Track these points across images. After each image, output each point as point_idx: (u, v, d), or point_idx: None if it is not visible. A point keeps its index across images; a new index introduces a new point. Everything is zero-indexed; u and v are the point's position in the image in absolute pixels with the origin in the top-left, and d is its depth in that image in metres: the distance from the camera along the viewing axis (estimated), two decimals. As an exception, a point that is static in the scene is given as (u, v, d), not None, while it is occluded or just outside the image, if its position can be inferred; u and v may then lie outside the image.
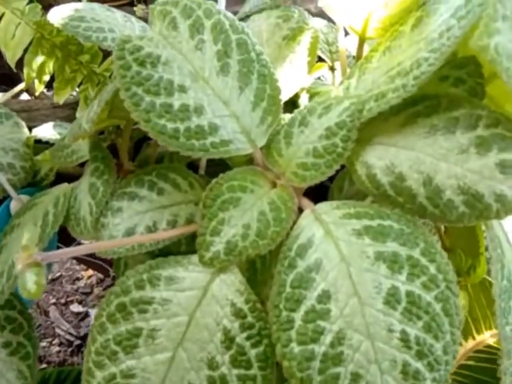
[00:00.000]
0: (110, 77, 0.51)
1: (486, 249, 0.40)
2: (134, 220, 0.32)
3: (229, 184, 0.30)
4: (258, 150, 0.31)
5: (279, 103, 0.32)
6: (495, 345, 0.52)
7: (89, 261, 0.97)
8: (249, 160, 0.33)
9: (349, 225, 0.27)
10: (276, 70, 0.35)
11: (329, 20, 0.47)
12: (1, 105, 0.48)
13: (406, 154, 0.27)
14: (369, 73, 0.31)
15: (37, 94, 0.59)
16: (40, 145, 0.50)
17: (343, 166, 0.30)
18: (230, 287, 0.28)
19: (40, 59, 0.50)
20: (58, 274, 1.49)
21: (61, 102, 0.53)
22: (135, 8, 0.89)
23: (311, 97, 0.38)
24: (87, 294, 1.40)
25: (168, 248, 0.32)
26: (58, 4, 0.51)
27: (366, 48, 0.39)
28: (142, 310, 0.28)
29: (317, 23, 0.49)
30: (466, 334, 0.54)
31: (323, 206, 0.29)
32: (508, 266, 0.29)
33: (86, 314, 1.33)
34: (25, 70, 0.51)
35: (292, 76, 0.36)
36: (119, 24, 0.45)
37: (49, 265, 0.58)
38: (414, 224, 0.27)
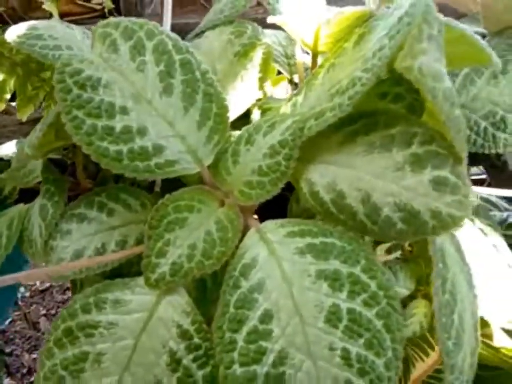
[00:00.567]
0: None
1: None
2: (82, 242, 0.32)
3: (175, 205, 0.30)
4: (206, 169, 0.31)
5: (226, 121, 0.32)
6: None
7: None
8: (199, 180, 0.33)
9: (293, 243, 0.28)
10: (227, 86, 0.35)
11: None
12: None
13: (346, 172, 0.27)
14: (315, 90, 0.32)
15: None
16: (3, 162, 0.49)
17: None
18: (176, 308, 0.28)
19: (0, 77, 0.49)
20: (48, 285, 1.48)
21: (24, 119, 0.53)
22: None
23: (263, 113, 0.38)
24: (77, 304, 1.38)
25: (120, 268, 0.32)
26: (30, 19, 0.51)
27: (320, 61, 0.40)
28: (88, 334, 0.28)
29: (277, 36, 0.49)
30: (436, 340, 0.55)
31: (268, 225, 0.29)
32: (452, 279, 0.29)
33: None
34: (-15, 88, 0.50)
35: (242, 93, 0.36)
36: (77, 41, 0.45)
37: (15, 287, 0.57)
38: (356, 241, 0.27)
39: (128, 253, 0.30)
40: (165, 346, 0.27)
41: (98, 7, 0.88)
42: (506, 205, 0.52)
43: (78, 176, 0.40)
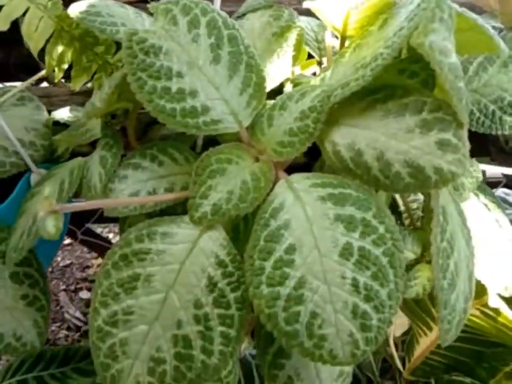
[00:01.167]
0: (122, 66, 0.57)
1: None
2: (137, 186, 0.38)
3: (217, 157, 0.35)
4: (244, 129, 0.37)
5: (263, 89, 0.37)
6: (472, 324, 0.56)
7: (100, 246, 1.03)
8: (237, 139, 0.38)
9: (316, 192, 0.33)
10: (264, 62, 0.41)
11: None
12: (25, 90, 0.54)
13: (364, 133, 0.32)
14: (342, 66, 0.36)
15: (56, 81, 0.65)
16: (58, 126, 0.56)
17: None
18: (215, 241, 0.34)
19: (60, 49, 0.55)
20: (69, 262, 1.55)
21: (77, 89, 0.59)
22: (148, 5, 0.94)
23: (294, 86, 0.43)
24: (96, 282, 1.44)
25: (166, 211, 0.38)
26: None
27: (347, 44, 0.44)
28: (140, 259, 0.34)
29: (310, 22, 0.54)
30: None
31: (295, 177, 0.34)
32: (451, 232, 0.33)
33: (95, 301, 1.38)
34: (46, 59, 0.56)
35: (278, 68, 0.41)
36: (131, 19, 0.51)
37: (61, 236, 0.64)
38: (369, 193, 0.32)
39: (177, 195, 0.35)
40: (204, 271, 0.33)
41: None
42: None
43: (128, 137, 0.46)
